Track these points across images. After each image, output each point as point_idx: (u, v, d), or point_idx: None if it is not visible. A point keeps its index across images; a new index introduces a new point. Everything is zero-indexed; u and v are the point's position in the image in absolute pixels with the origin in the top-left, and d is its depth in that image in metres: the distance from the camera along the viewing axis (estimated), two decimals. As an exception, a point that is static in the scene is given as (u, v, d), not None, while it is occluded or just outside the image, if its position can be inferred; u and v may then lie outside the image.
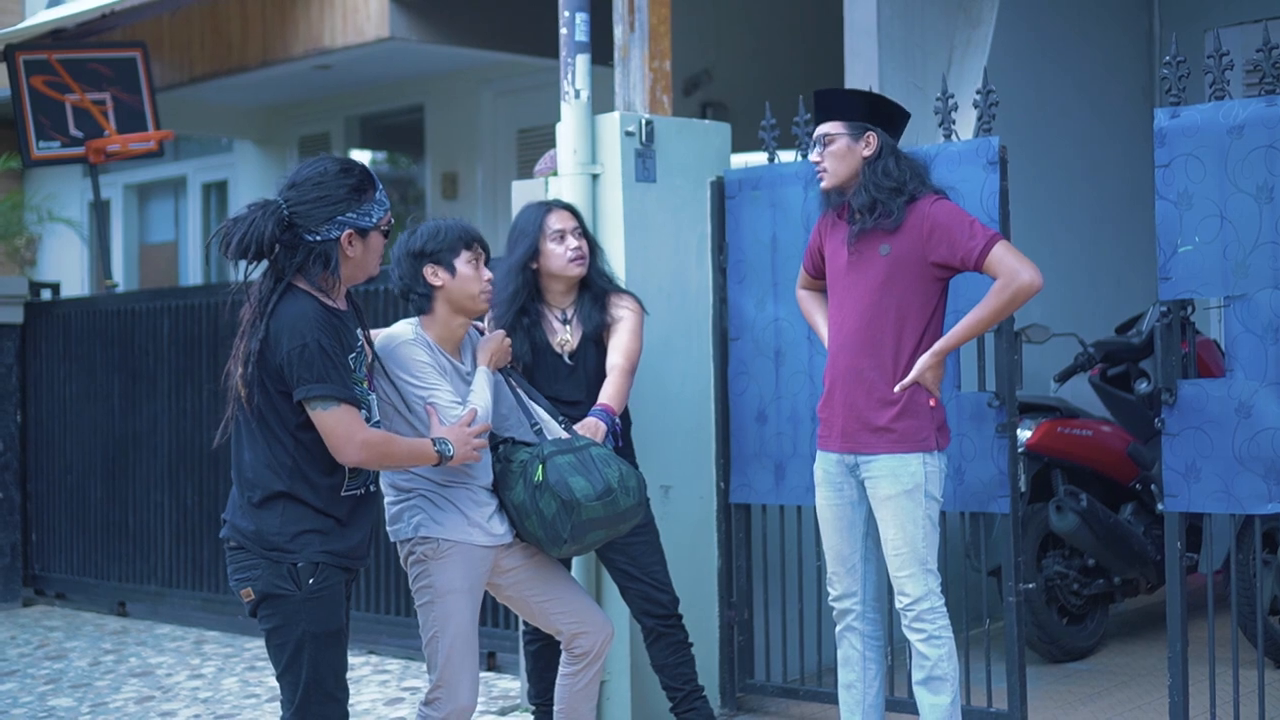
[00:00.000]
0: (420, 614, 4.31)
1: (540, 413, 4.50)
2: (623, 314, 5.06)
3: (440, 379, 4.24)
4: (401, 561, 4.34)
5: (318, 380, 3.70)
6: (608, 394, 4.88)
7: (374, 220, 3.85)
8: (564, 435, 4.46)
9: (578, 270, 5.03)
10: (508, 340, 4.49)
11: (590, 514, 4.27)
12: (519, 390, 4.51)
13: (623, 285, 5.24)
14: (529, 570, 4.44)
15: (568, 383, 5.02)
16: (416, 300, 4.33)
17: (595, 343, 5.07)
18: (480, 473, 4.32)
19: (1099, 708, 5.72)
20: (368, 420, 3.87)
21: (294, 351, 3.70)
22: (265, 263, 3.82)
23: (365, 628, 7.20)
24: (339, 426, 3.73)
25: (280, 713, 3.92)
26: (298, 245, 3.77)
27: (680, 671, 5.10)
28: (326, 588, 3.81)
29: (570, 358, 5.05)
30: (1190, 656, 4.74)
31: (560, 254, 5.01)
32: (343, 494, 3.84)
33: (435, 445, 4.03)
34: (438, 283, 4.30)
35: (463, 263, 4.31)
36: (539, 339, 5.03)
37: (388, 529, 4.31)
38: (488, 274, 4.35)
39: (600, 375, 4.98)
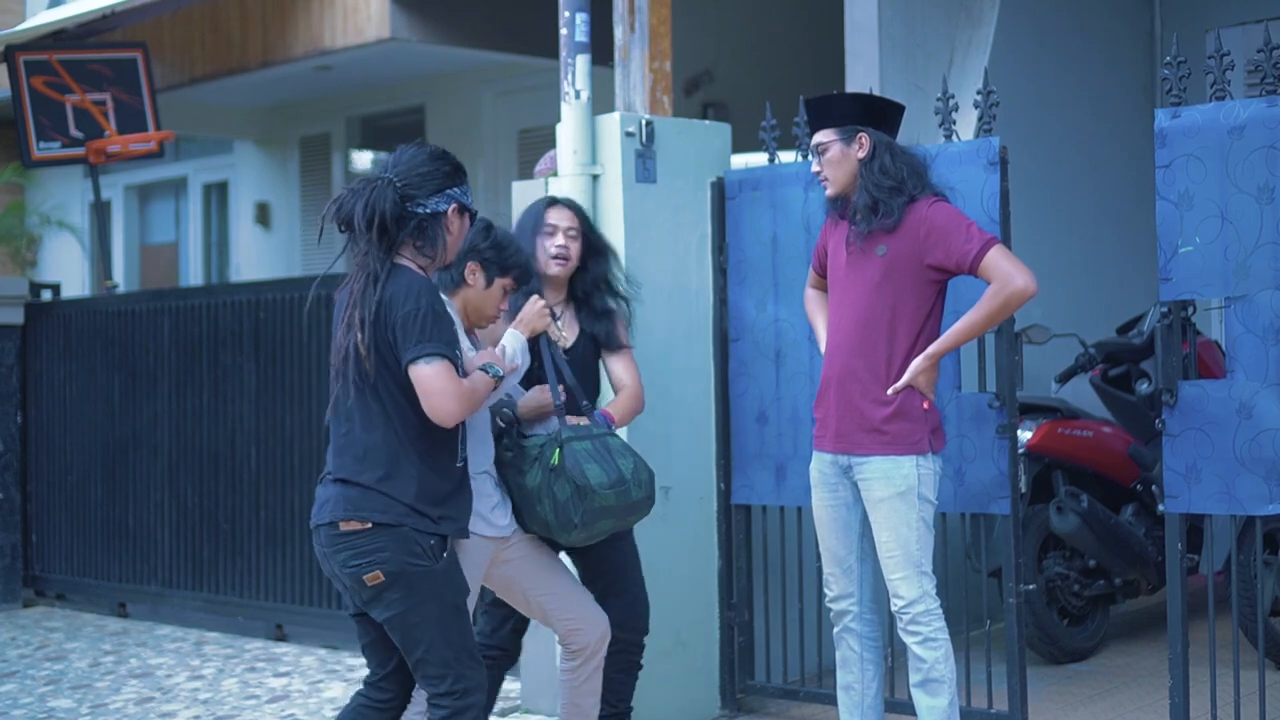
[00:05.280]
0: None
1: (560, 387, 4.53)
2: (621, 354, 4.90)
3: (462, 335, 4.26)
4: None
5: (424, 339, 3.78)
6: (616, 405, 4.76)
7: (470, 202, 3.99)
8: (583, 421, 4.49)
9: (555, 269, 4.84)
10: (546, 309, 4.47)
11: (603, 501, 4.33)
12: (556, 361, 4.56)
13: (630, 314, 4.98)
14: (527, 564, 4.46)
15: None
16: (449, 275, 4.32)
17: (588, 348, 4.93)
18: (481, 458, 4.31)
19: (1099, 709, 5.71)
20: None
21: (408, 315, 3.79)
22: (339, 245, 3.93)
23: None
24: (438, 380, 3.78)
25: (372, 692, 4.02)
26: (407, 217, 3.89)
27: (623, 690, 4.85)
28: (453, 558, 3.94)
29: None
30: (1191, 658, 4.73)
31: (544, 248, 4.83)
32: (457, 464, 3.97)
33: (487, 371, 4.04)
34: (470, 281, 4.31)
35: (499, 283, 4.33)
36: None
37: None
38: (505, 307, 4.40)
39: (589, 375, 4.87)
